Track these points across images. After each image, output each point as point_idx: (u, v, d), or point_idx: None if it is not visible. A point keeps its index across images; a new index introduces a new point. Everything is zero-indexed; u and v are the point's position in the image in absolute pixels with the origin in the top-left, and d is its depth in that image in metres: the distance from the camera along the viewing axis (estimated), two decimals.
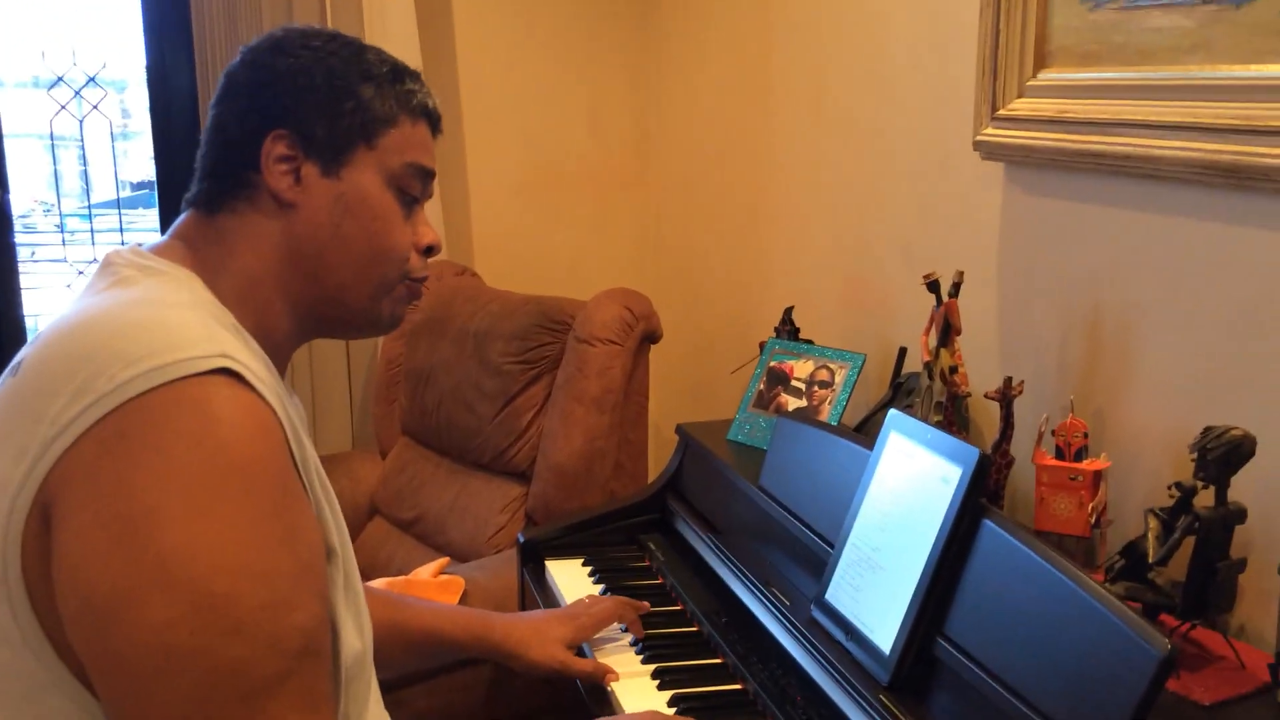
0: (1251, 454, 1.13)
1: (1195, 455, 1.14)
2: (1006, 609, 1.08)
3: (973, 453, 1.16)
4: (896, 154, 1.91)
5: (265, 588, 0.79)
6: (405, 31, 2.50)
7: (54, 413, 0.78)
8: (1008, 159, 1.61)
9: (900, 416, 1.30)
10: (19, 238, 2.60)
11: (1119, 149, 1.38)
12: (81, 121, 2.73)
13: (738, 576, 1.52)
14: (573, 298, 2.28)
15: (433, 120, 1.04)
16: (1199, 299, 1.34)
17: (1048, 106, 1.50)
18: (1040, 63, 1.52)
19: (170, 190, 2.61)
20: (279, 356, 0.98)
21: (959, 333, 1.58)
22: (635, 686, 1.38)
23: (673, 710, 1.32)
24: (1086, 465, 1.38)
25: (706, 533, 1.67)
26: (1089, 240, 1.50)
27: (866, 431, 1.74)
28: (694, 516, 1.75)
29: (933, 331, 1.60)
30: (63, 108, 2.70)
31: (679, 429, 1.91)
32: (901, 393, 1.76)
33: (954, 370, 1.58)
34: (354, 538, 2.40)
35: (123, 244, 1.02)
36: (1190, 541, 1.15)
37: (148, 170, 2.79)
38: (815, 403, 1.79)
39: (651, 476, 2.10)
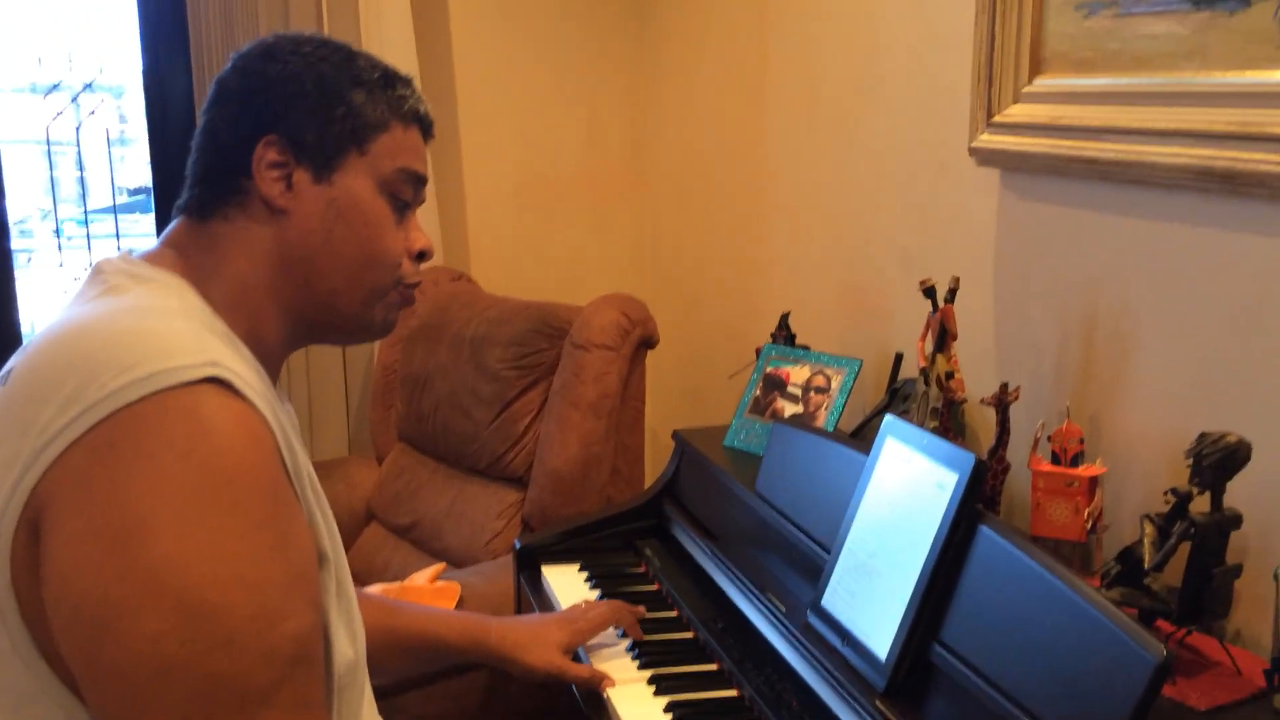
0: (1247, 460, 1.13)
1: (1191, 461, 1.15)
2: (1003, 615, 1.08)
3: (969, 458, 1.16)
4: (892, 160, 1.91)
5: (257, 597, 0.78)
6: (402, 38, 2.50)
7: (44, 422, 0.78)
8: (1003, 165, 1.61)
9: (896, 422, 1.30)
10: (15, 243, 2.60)
11: (1114, 155, 1.38)
12: (78, 127, 2.73)
13: (734, 582, 1.52)
14: (569, 303, 2.28)
15: (424, 125, 1.04)
16: (1194, 305, 1.34)
17: (1043, 113, 1.50)
18: (1035, 69, 1.52)
19: (167, 196, 2.61)
20: (271, 363, 0.98)
21: (955, 338, 1.58)
22: (632, 693, 1.38)
23: (669, 717, 1.32)
24: (1082, 471, 1.38)
25: (703, 539, 1.67)
26: (1085, 246, 1.50)
27: (863, 437, 1.74)
28: (690, 522, 1.75)
29: (929, 337, 1.60)
30: (59, 114, 2.70)
31: (675, 435, 1.91)
32: (898, 398, 1.76)
33: (950, 376, 1.58)
34: (350, 543, 2.41)
35: (119, 250, 1.02)
36: (1186, 547, 1.15)
37: (145, 176, 2.79)
38: (811, 408, 1.79)
39: (648, 482, 2.10)
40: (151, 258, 0.96)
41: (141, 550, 0.75)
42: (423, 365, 2.37)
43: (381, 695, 1.11)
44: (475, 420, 2.24)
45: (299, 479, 0.88)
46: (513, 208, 2.85)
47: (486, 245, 2.83)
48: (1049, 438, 1.42)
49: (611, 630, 1.50)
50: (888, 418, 1.31)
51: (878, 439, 1.31)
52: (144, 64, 2.55)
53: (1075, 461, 1.40)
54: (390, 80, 1.01)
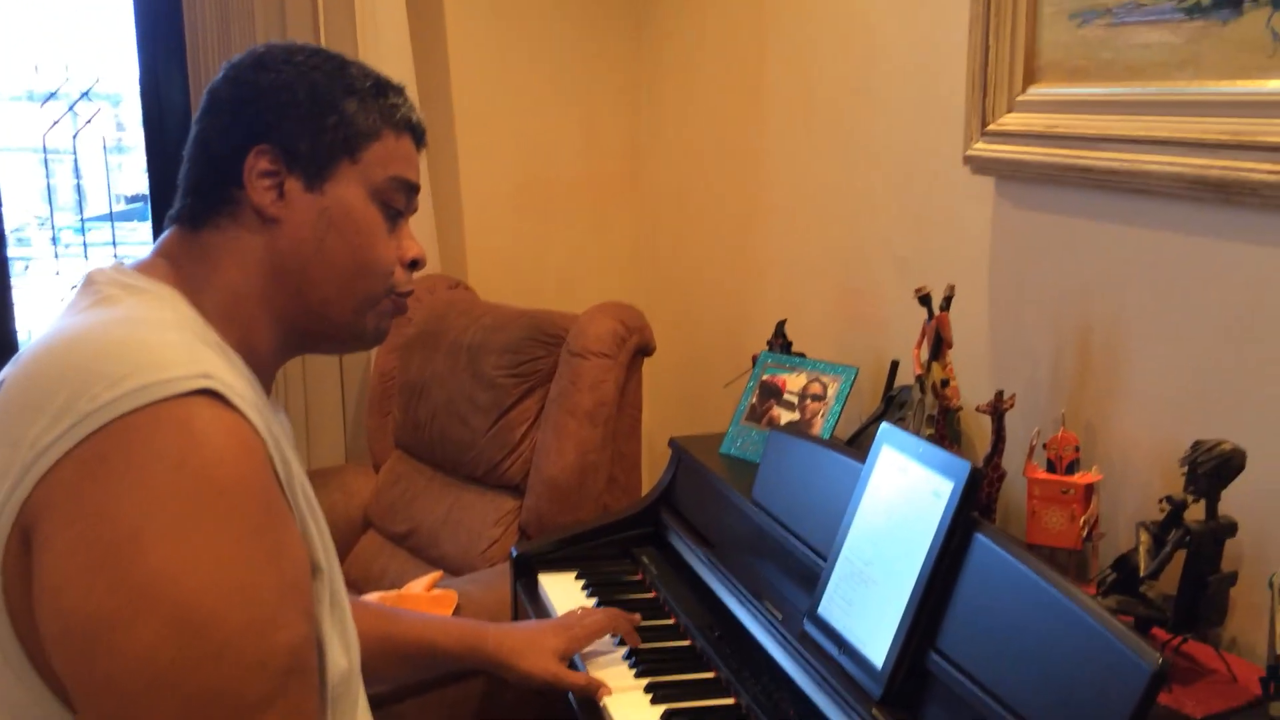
0: (1241, 468, 1.13)
1: (1185, 469, 1.15)
2: (998, 623, 1.08)
3: (964, 466, 1.16)
4: (888, 168, 1.92)
5: (250, 608, 0.78)
6: (399, 45, 2.51)
7: (35, 434, 0.78)
8: (998, 173, 1.62)
9: (892, 430, 1.30)
10: (12, 251, 2.60)
11: (1108, 164, 1.38)
12: (75, 135, 2.74)
13: (731, 590, 1.52)
14: (566, 311, 2.28)
15: (417, 134, 1.04)
16: (1188, 313, 1.34)
17: (1037, 121, 1.50)
18: (1030, 78, 1.53)
19: (164, 204, 2.61)
20: (264, 373, 0.98)
21: (950, 346, 1.58)
22: (628, 701, 1.38)
23: None
24: (1078, 479, 1.39)
25: (699, 546, 1.67)
26: (1079, 254, 1.50)
27: (859, 445, 1.75)
28: (687, 530, 1.75)
29: (924, 345, 1.60)
30: (56, 122, 2.70)
31: (672, 442, 1.91)
32: (894, 406, 1.77)
33: (946, 383, 1.58)
34: (347, 551, 2.41)
35: (115, 258, 1.01)
36: (1181, 555, 1.16)
37: (141, 184, 2.79)
38: (808, 416, 1.79)
39: (645, 490, 2.10)
40: (143, 268, 0.96)
41: (134, 562, 0.75)
42: (419, 373, 2.37)
43: (378, 704, 1.11)
44: (472, 428, 2.24)
45: (292, 489, 0.88)
46: (510, 215, 2.85)
47: (483, 252, 2.84)
48: (1044, 445, 1.42)
49: (608, 638, 1.50)
50: (883, 425, 1.32)
51: (873, 447, 1.31)
52: (141, 72, 2.55)
53: (1070, 469, 1.40)
54: (382, 89, 1.01)
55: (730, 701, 1.37)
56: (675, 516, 1.81)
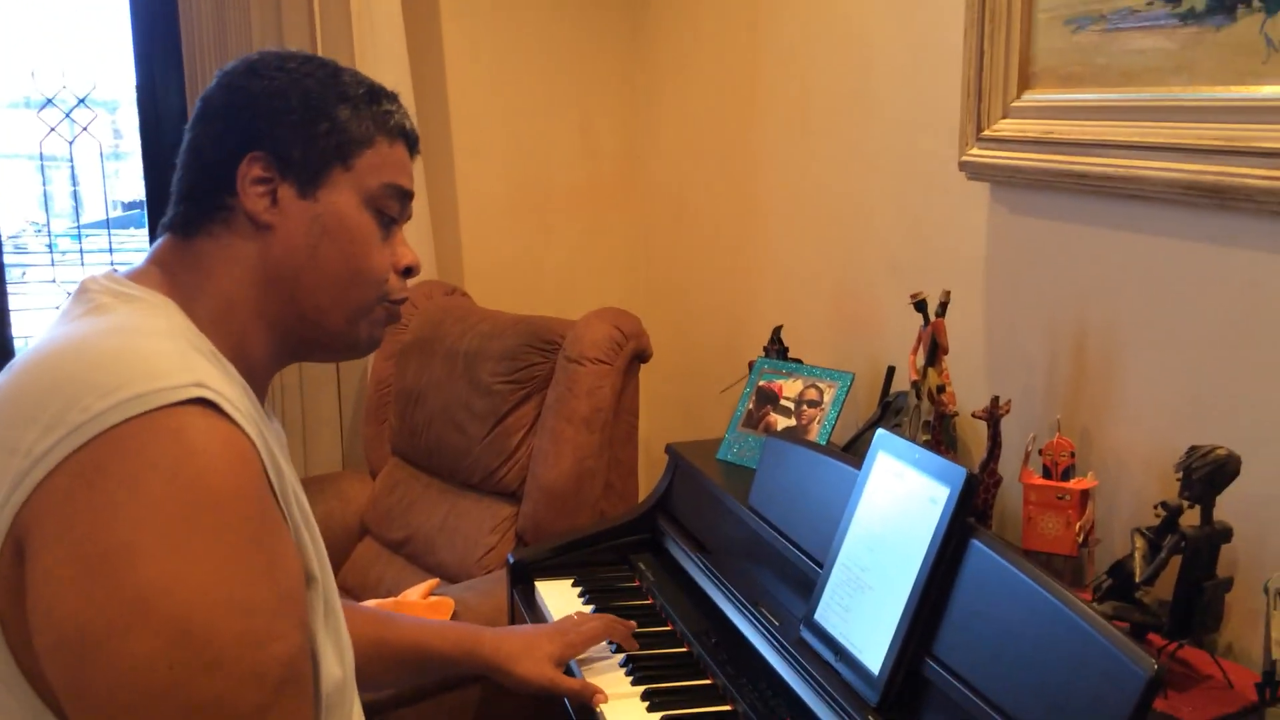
0: (1236, 473, 1.13)
1: (1180, 474, 1.15)
2: (995, 629, 1.08)
3: (960, 472, 1.16)
4: (883, 174, 1.92)
5: (244, 620, 0.78)
6: (395, 52, 2.51)
7: (27, 445, 0.78)
8: (993, 179, 1.62)
9: (888, 436, 1.30)
10: (9, 258, 2.60)
11: (1103, 169, 1.39)
12: (71, 142, 2.74)
13: (727, 597, 1.52)
14: (562, 317, 2.28)
15: (410, 141, 1.04)
16: (1184, 319, 1.34)
17: (1032, 127, 1.51)
18: (1024, 84, 1.53)
19: (161, 210, 2.59)
20: (258, 381, 0.98)
21: (946, 352, 1.59)
22: (625, 707, 1.38)
23: None
24: (1073, 484, 1.39)
25: (696, 553, 1.67)
26: (1075, 260, 1.51)
27: (855, 451, 1.75)
28: (684, 536, 1.75)
29: (920, 351, 1.60)
30: (53, 129, 2.70)
31: (669, 448, 1.91)
32: (890, 412, 1.77)
33: (941, 389, 1.58)
34: (344, 558, 2.41)
35: (111, 265, 1.01)
36: (1177, 561, 1.16)
37: (138, 190, 2.79)
38: (804, 422, 1.79)
39: (641, 496, 2.10)
40: (137, 276, 0.96)
41: (127, 574, 0.75)
42: (416, 380, 2.37)
43: (375, 712, 1.11)
44: (469, 435, 2.24)
45: (286, 499, 0.88)
46: (506, 221, 2.85)
47: (480, 259, 2.84)
48: (1040, 451, 1.43)
49: (605, 644, 1.50)
50: (879, 432, 1.32)
51: (869, 453, 1.31)
52: (137, 79, 2.55)
53: (1066, 475, 1.40)
54: (376, 96, 1.01)
55: (727, 708, 1.37)
56: (672, 523, 1.81)
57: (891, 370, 1.84)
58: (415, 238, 2.49)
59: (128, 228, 3.16)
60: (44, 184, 2.86)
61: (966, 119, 1.61)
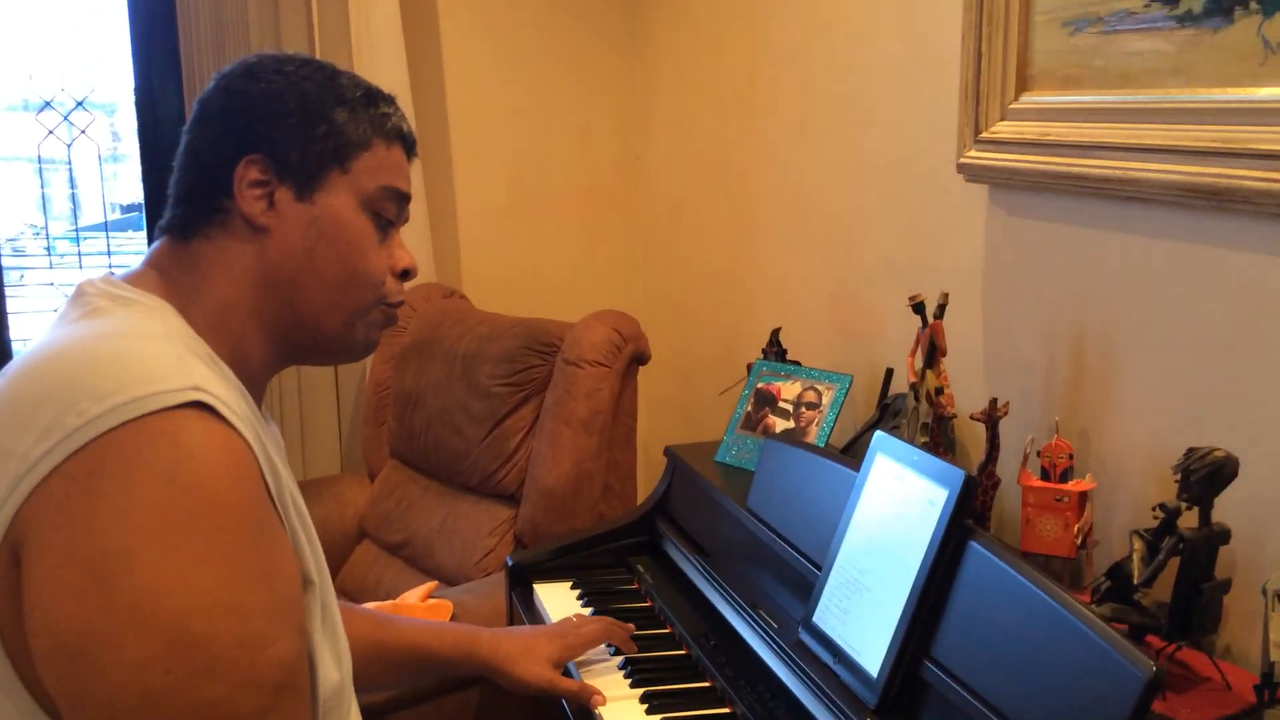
0: (1234, 475, 1.14)
1: (1179, 476, 1.15)
2: (993, 631, 1.08)
3: (958, 474, 1.16)
4: (882, 176, 1.92)
5: (241, 624, 0.78)
6: (394, 56, 2.51)
7: (23, 449, 0.77)
8: (991, 181, 1.62)
9: (886, 439, 1.30)
10: (7, 261, 2.60)
11: (1101, 171, 1.39)
12: (70, 145, 2.74)
13: (726, 599, 1.52)
14: (561, 320, 2.28)
15: (407, 144, 1.04)
16: (1181, 320, 1.34)
17: (1030, 129, 1.51)
18: (1022, 86, 1.53)
19: (159, 213, 2.60)
20: (255, 385, 0.98)
21: (944, 354, 1.59)
22: (623, 710, 1.38)
23: None
24: (1072, 486, 1.39)
25: (695, 555, 1.67)
26: (1073, 262, 1.51)
27: (854, 453, 1.75)
28: (682, 539, 1.75)
29: (918, 353, 1.60)
30: (51, 131, 2.70)
31: (667, 451, 1.91)
32: (888, 414, 1.77)
33: (940, 392, 1.58)
34: (342, 561, 2.41)
35: (109, 268, 1.01)
36: (1175, 563, 1.16)
37: (137, 193, 2.79)
38: (803, 424, 1.79)
39: (640, 499, 2.10)
40: (134, 279, 0.95)
41: (123, 578, 0.75)
42: (414, 382, 2.37)
43: (373, 715, 1.11)
44: (467, 437, 2.24)
45: (283, 503, 0.88)
46: (504, 224, 2.85)
47: (478, 262, 2.84)
48: (1038, 453, 1.43)
49: (603, 647, 1.50)
50: (878, 434, 1.32)
51: (868, 455, 1.31)
52: (136, 81, 2.55)
53: (1064, 477, 1.40)
54: (373, 98, 1.01)
55: (725, 711, 1.37)
56: (670, 525, 1.81)
57: (890, 372, 1.84)
58: (414, 240, 2.49)
59: (126, 231, 3.15)
60: (42, 187, 2.86)
61: (964, 121, 1.61)
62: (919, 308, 1.60)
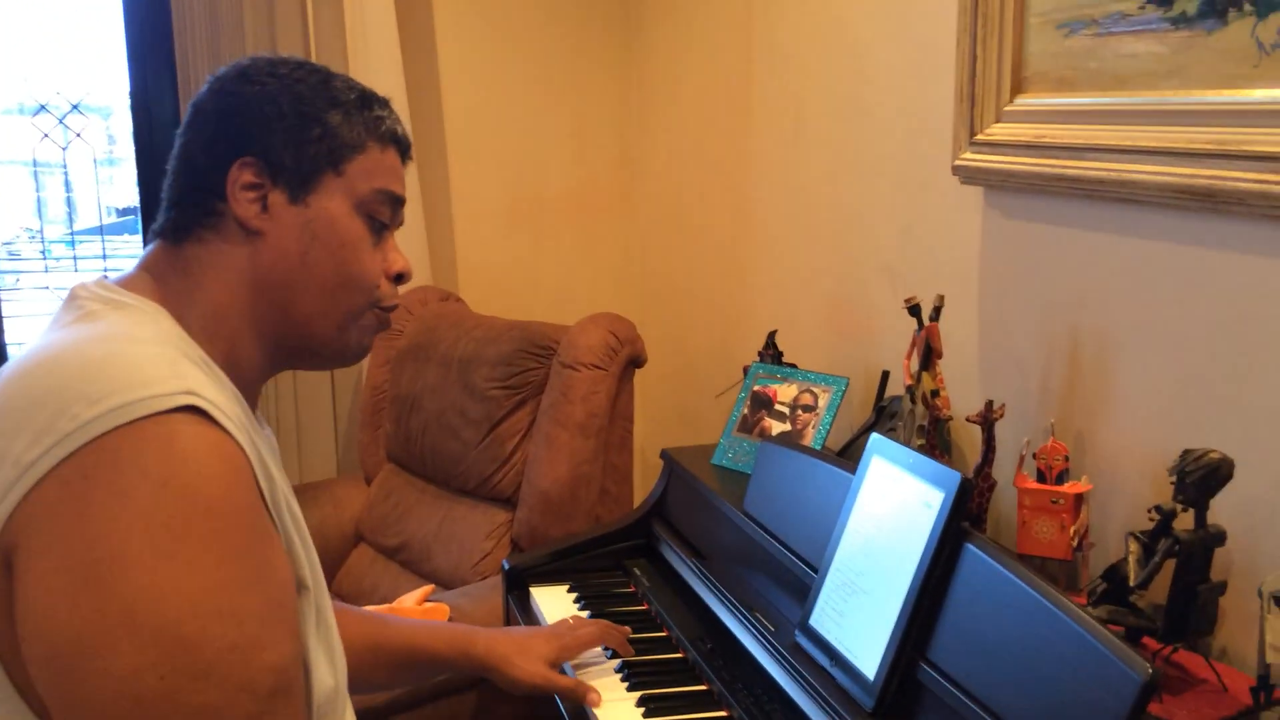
0: (1229, 476, 1.14)
1: (1174, 478, 1.15)
2: (989, 633, 1.08)
3: (954, 477, 1.16)
4: (877, 178, 1.92)
5: (235, 629, 0.78)
6: (389, 58, 2.51)
7: (15, 454, 0.77)
8: (986, 183, 1.62)
9: (882, 441, 1.30)
10: (3, 265, 2.60)
11: (1096, 173, 1.39)
12: (65, 149, 2.73)
13: (722, 602, 1.51)
14: (557, 323, 2.28)
15: (402, 147, 1.04)
16: (1176, 322, 1.35)
17: (1025, 131, 1.51)
18: (1017, 88, 1.53)
19: (154, 217, 2.60)
20: (249, 389, 0.97)
21: (940, 356, 1.59)
22: (620, 713, 1.37)
23: None
24: (1068, 488, 1.39)
25: (691, 558, 1.67)
26: (1068, 263, 1.51)
27: (850, 455, 1.75)
28: (679, 542, 1.75)
29: (914, 355, 1.60)
30: (46, 135, 2.70)
31: (664, 454, 1.91)
32: (884, 416, 1.77)
33: (935, 394, 1.58)
34: (339, 565, 2.41)
35: (104, 271, 1.01)
36: (1171, 564, 1.16)
37: (132, 196, 2.79)
38: (799, 427, 1.79)
39: (637, 502, 2.10)
40: (127, 282, 0.95)
41: (117, 583, 0.75)
42: (411, 386, 2.37)
43: (370, 718, 1.11)
44: (463, 440, 2.24)
45: (277, 507, 0.88)
46: (501, 227, 2.85)
47: (474, 265, 2.84)
48: (1034, 455, 1.43)
49: (600, 650, 1.50)
50: (874, 436, 1.32)
51: (864, 457, 1.31)
52: (131, 85, 2.55)
53: (1060, 479, 1.40)
54: (367, 101, 1.01)
55: (722, 714, 1.37)
56: (667, 528, 1.81)
57: (886, 375, 1.84)
58: (409, 243, 2.49)
59: (122, 234, 3.15)
60: (38, 190, 2.86)
61: (959, 123, 1.61)
62: (915, 310, 1.60)
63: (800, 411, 1.81)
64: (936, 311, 1.58)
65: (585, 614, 1.65)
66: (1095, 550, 1.42)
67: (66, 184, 2.90)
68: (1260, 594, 1.08)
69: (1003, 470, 1.51)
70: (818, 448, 1.73)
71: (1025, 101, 1.52)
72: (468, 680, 1.82)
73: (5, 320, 2.55)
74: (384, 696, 1.76)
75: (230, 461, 0.81)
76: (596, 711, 1.38)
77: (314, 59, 2.14)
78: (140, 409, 0.78)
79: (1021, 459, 1.44)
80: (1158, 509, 1.17)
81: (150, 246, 0.99)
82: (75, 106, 2.69)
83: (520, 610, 1.74)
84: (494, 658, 1.39)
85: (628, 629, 1.53)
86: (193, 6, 2.42)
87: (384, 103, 1.03)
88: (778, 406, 1.84)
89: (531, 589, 1.76)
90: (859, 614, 1.23)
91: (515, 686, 1.39)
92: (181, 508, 0.77)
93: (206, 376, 0.86)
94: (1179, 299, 1.34)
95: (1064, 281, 1.52)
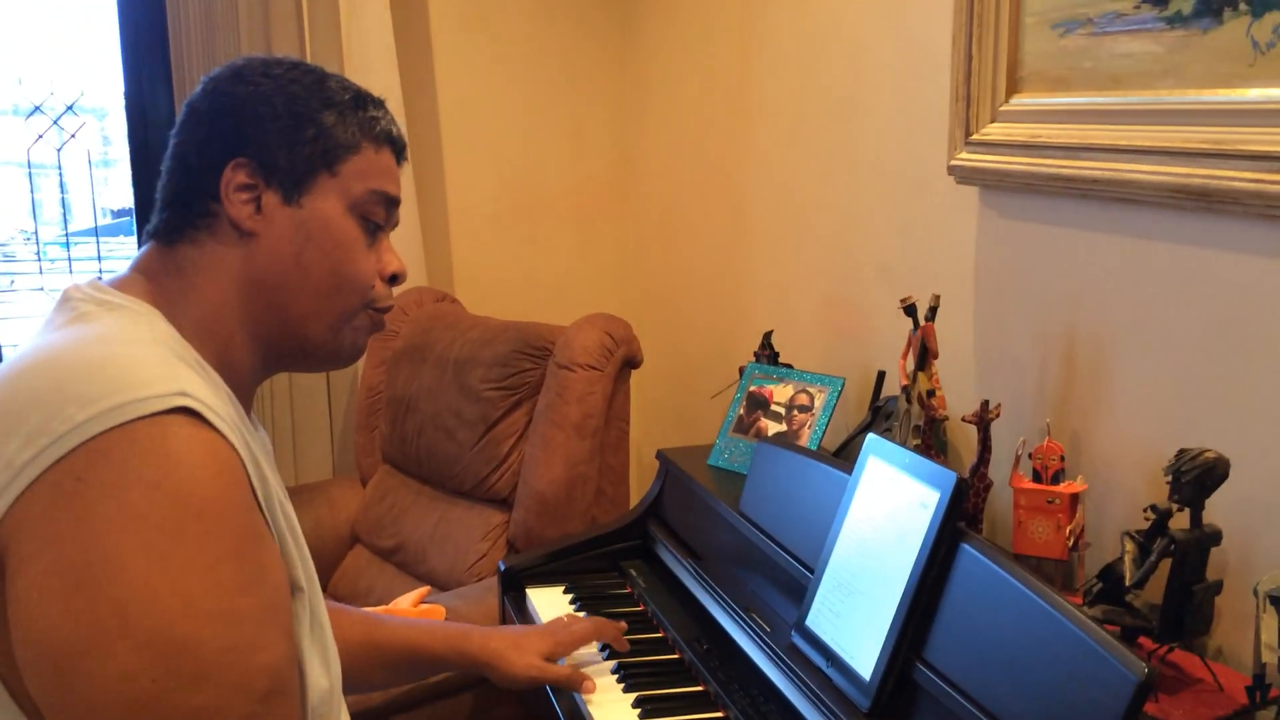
0: (1225, 476, 1.13)
1: (1170, 478, 1.15)
2: (985, 633, 1.08)
3: (950, 477, 1.16)
4: (873, 178, 1.92)
5: (229, 631, 0.77)
6: (384, 59, 2.51)
7: (8, 456, 0.77)
8: (982, 183, 1.62)
9: (878, 441, 1.30)
10: None
11: (1091, 173, 1.39)
12: (60, 150, 2.73)
13: (719, 603, 1.51)
14: (553, 323, 2.28)
15: (397, 147, 1.04)
16: (1172, 321, 1.35)
17: (1020, 131, 1.51)
18: (1012, 88, 1.53)
19: (149, 218, 2.60)
20: (243, 390, 0.97)
21: (936, 356, 1.59)
22: (616, 714, 1.37)
23: None
24: (1063, 488, 1.39)
25: (688, 559, 1.67)
26: (1064, 263, 1.51)
27: (846, 456, 1.75)
28: (675, 542, 1.74)
29: (910, 355, 1.60)
30: (41, 136, 2.69)
31: (660, 455, 1.90)
32: (880, 417, 1.77)
33: (931, 394, 1.58)
34: (334, 566, 2.40)
35: (99, 273, 1.01)
36: (1167, 564, 1.16)
37: (127, 198, 2.78)
38: (795, 427, 1.79)
39: (633, 502, 2.10)
40: (121, 284, 0.95)
41: (110, 586, 0.74)
42: (406, 387, 2.36)
43: (367, 719, 1.10)
44: (459, 442, 2.24)
45: (271, 508, 0.88)
46: (496, 228, 2.85)
47: (470, 265, 2.83)
48: (1030, 455, 1.43)
49: (596, 650, 1.50)
50: (870, 436, 1.32)
51: (860, 458, 1.31)
52: (126, 86, 2.54)
53: (1056, 479, 1.40)
54: (362, 101, 1.01)
55: (718, 715, 1.36)
56: (663, 529, 1.81)
57: (882, 375, 1.84)
58: (405, 244, 2.49)
59: (117, 235, 3.15)
60: (32, 191, 2.85)
61: (955, 123, 1.61)
62: (910, 310, 1.60)
63: (796, 412, 1.80)
64: (932, 311, 1.58)
65: (581, 614, 1.65)
66: (1091, 550, 1.42)
67: (61, 185, 2.90)
68: (1256, 593, 1.08)
69: (998, 470, 1.51)
70: (814, 448, 1.73)
71: (1021, 101, 1.52)
72: (465, 681, 1.81)
73: (0, 322, 2.54)
74: (381, 697, 1.76)
75: (224, 463, 0.81)
76: (593, 711, 1.37)
77: (309, 60, 2.14)
78: (133, 410, 0.78)
79: (1017, 459, 1.44)
80: (1153, 508, 1.17)
81: (144, 248, 0.99)
82: (70, 108, 2.69)
83: (516, 611, 1.74)
84: (489, 654, 1.39)
85: (623, 624, 1.53)
86: (188, 7, 2.41)
87: (379, 103, 1.03)
88: (774, 407, 1.84)
89: (527, 590, 1.76)
90: (855, 614, 1.23)
91: (511, 681, 1.39)
92: (175, 509, 0.77)
93: (200, 378, 0.86)
94: (1175, 298, 1.34)
95: (1060, 281, 1.52)
